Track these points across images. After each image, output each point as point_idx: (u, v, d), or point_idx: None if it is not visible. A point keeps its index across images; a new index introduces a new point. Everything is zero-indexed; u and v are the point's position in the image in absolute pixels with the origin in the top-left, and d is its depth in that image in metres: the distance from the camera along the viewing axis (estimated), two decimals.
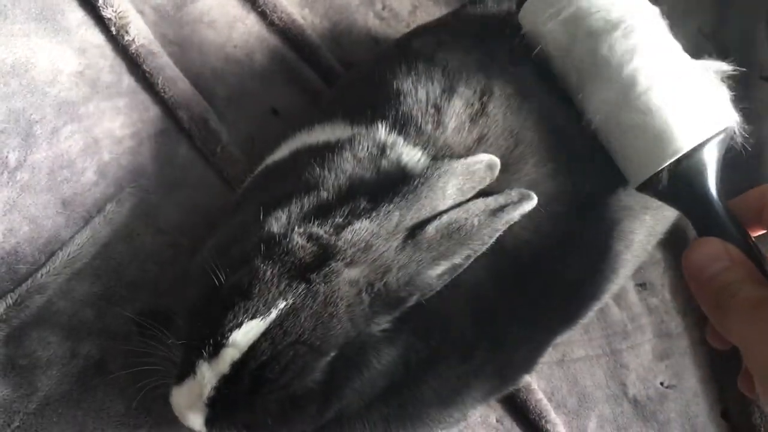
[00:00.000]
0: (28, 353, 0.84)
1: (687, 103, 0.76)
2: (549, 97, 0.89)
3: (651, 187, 0.78)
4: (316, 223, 0.72)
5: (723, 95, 0.78)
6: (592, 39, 0.80)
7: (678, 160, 0.74)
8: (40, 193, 0.94)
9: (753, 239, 0.72)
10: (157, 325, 0.80)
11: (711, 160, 0.75)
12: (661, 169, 0.75)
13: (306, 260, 0.69)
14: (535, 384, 1.03)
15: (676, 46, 0.81)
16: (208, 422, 0.69)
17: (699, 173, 0.75)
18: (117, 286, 0.91)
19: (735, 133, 0.77)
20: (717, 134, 0.75)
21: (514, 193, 0.74)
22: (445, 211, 0.72)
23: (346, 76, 1.17)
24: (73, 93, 1.02)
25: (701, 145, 0.74)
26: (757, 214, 0.72)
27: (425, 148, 0.81)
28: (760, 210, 0.71)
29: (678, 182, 0.75)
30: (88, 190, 0.97)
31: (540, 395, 1.02)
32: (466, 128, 0.84)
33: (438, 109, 0.85)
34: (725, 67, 0.80)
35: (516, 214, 0.73)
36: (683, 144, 0.74)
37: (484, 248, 0.72)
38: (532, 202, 0.74)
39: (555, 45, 0.84)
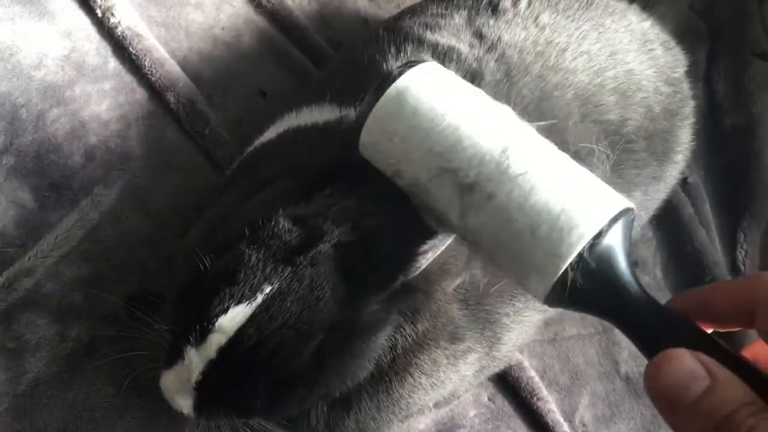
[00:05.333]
0: (16, 336, 0.84)
1: (578, 190, 0.62)
2: (538, 79, 0.89)
3: (563, 293, 0.60)
4: (302, 205, 0.71)
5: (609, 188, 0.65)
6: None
7: (584, 252, 0.58)
8: (27, 177, 0.94)
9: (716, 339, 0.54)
10: (146, 309, 0.81)
11: (620, 248, 0.60)
12: (569, 269, 0.58)
13: (291, 243, 0.68)
14: (528, 362, 1.03)
15: (545, 142, 0.67)
16: (197, 406, 0.69)
17: (612, 263, 0.59)
18: (105, 269, 0.91)
19: (635, 218, 0.63)
20: (619, 216, 0.60)
21: None
22: None
23: (334, 58, 1.16)
24: (58, 76, 1.01)
25: (606, 229, 0.59)
26: (746, 310, 0.53)
27: None
28: (749, 305, 0.53)
29: (591, 278, 0.58)
30: (76, 174, 0.96)
31: (532, 373, 1.02)
32: None
33: None
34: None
35: None
36: (585, 230, 0.59)
37: None
38: None
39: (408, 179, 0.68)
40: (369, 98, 0.67)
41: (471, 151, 0.63)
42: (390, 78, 0.66)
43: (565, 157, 0.65)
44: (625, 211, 0.61)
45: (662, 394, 0.49)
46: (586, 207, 0.60)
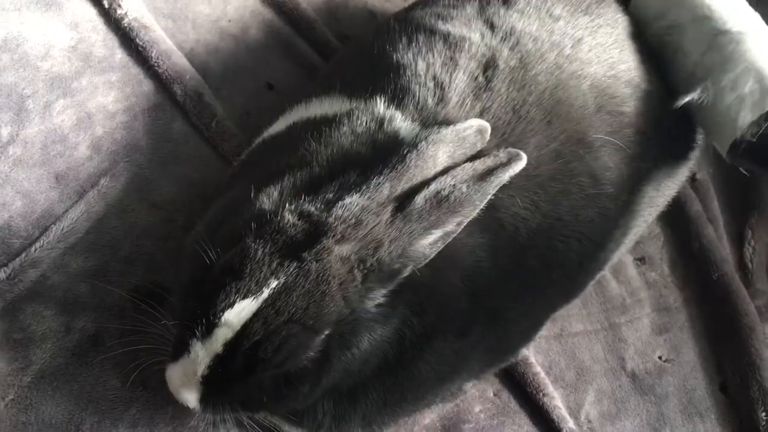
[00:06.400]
0: (22, 327, 0.84)
1: None
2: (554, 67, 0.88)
3: (743, 147, 0.77)
4: (307, 199, 0.71)
5: None
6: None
7: None
8: (33, 168, 0.93)
9: None
10: (152, 302, 0.80)
11: None
12: (755, 125, 0.75)
13: (297, 238, 0.68)
14: (533, 358, 1.02)
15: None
16: (203, 400, 0.70)
17: None
18: (111, 261, 0.91)
19: None
20: None
21: (502, 154, 0.73)
22: (434, 179, 0.71)
23: (343, 50, 1.16)
24: (65, 67, 1.01)
25: None
26: None
27: (425, 123, 0.80)
28: None
29: None
30: (82, 165, 0.96)
31: (538, 369, 1.01)
32: (469, 103, 0.83)
33: (439, 83, 0.84)
34: None
35: (506, 176, 0.72)
36: None
37: (475, 213, 0.71)
38: (522, 162, 0.73)
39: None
40: None
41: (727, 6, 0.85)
42: None
43: None
44: None
45: None
46: None
